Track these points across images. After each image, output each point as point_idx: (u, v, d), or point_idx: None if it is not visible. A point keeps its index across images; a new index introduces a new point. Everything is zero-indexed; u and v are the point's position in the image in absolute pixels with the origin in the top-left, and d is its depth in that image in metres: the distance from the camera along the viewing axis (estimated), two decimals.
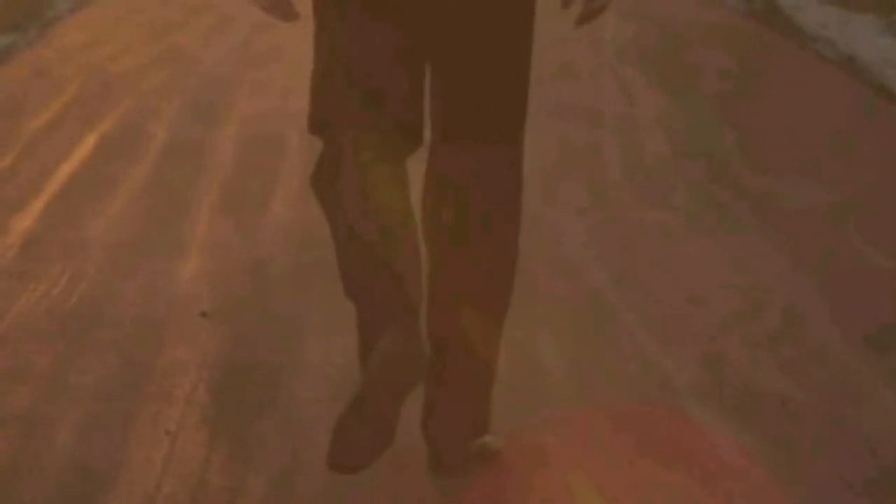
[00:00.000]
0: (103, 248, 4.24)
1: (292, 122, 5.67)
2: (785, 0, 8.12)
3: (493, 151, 2.67)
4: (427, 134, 2.64)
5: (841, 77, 6.31)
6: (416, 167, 2.68)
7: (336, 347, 3.45)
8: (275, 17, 2.61)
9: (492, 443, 2.87)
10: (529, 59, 2.68)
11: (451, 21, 2.58)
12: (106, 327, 3.63)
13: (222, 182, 4.89)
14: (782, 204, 4.56)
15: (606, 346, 3.49)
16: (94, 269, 4.05)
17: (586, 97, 6.09)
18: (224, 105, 6.05)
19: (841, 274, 3.95)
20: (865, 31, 7.26)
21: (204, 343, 3.51)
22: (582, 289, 3.86)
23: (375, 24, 2.54)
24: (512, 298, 2.80)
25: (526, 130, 2.71)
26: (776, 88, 6.15)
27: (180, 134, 5.58)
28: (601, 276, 3.95)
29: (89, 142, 5.47)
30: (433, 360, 2.75)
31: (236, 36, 7.70)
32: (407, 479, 2.86)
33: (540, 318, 3.63)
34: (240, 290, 3.87)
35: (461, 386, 2.80)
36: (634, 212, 4.50)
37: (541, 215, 4.44)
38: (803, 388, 3.25)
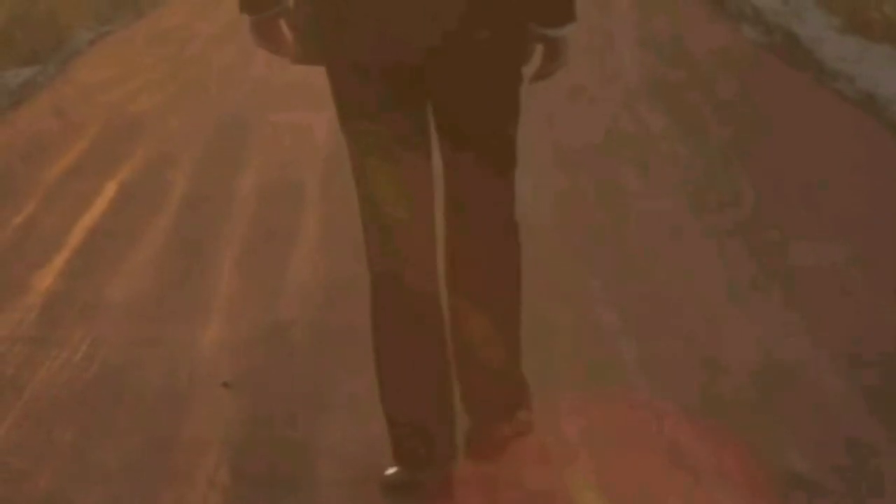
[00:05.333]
0: (123, 309, 4.25)
1: (311, 169, 5.68)
2: (805, 31, 8.09)
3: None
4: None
5: (860, 118, 6.27)
6: None
7: (357, 420, 3.45)
8: (280, 56, 3.09)
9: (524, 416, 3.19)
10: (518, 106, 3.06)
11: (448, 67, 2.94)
12: (127, 399, 3.64)
13: (242, 236, 4.90)
14: (798, 260, 4.53)
15: (628, 420, 3.48)
16: (115, 334, 4.06)
17: (598, 135, 6.08)
18: (244, 150, 6.06)
19: (859, 336, 3.92)
20: (886, 64, 7.24)
21: (226, 417, 3.52)
22: (605, 356, 3.86)
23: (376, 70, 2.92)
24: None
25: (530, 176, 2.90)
26: (792, 131, 6.11)
27: (200, 182, 5.59)
28: (623, 343, 3.94)
29: (109, 191, 5.49)
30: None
31: (256, 70, 7.72)
32: None
33: (561, 384, 3.63)
34: (261, 357, 3.88)
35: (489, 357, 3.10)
36: (651, 270, 4.49)
37: (560, 276, 4.43)
38: (823, 468, 3.23)
